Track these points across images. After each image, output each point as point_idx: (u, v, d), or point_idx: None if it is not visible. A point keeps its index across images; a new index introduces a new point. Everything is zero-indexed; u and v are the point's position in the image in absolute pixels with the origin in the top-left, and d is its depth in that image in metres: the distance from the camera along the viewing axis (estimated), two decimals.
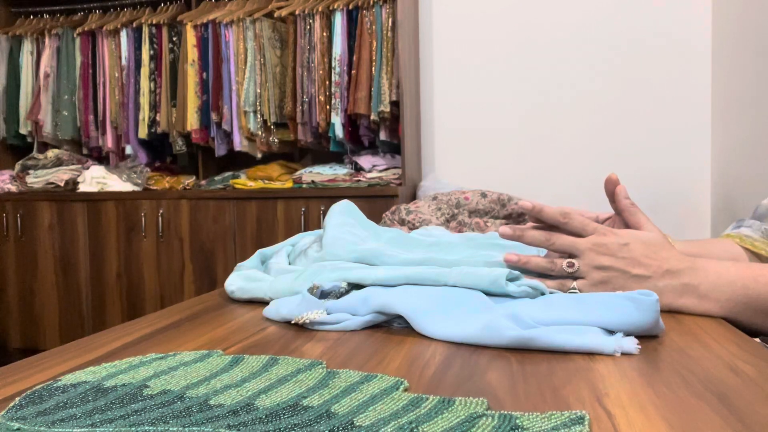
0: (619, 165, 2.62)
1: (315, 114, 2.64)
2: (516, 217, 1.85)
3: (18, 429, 0.36)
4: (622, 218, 0.70)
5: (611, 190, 0.71)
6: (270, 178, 2.70)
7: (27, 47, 3.11)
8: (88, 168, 2.96)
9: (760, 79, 2.10)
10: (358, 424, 0.35)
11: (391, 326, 0.60)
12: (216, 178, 2.81)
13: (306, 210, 2.57)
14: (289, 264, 0.83)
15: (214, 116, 2.77)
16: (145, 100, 2.90)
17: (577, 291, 0.65)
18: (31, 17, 3.21)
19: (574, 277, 0.65)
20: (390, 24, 2.55)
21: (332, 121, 2.61)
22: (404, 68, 2.52)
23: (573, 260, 0.65)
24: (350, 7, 2.61)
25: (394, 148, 2.71)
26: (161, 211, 2.76)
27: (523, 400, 0.40)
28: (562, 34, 2.69)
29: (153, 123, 2.89)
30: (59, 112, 3.01)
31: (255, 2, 2.83)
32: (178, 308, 0.72)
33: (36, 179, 2.93)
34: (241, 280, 0.76)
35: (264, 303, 0.72)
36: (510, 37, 2.75)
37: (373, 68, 2.57)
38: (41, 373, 0.48)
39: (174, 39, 2.91)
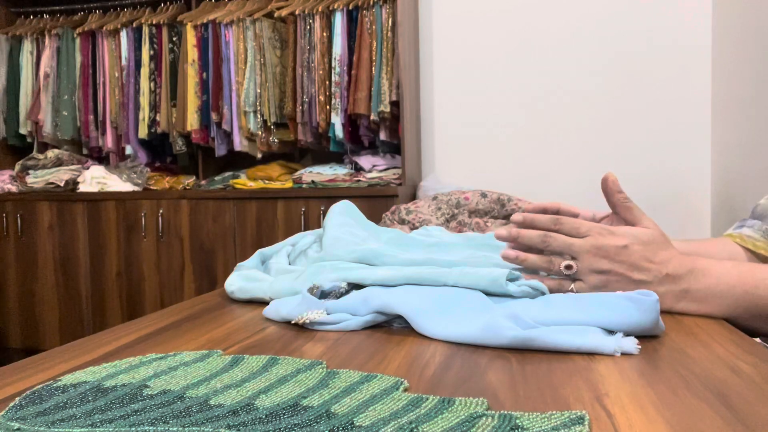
0: (620, 165, 2.62)
1: (315, 114, 2.64)
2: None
3: (18, 429, 0.36)
4: (617, 214, 0.69)
5: (607, 188, 0.70)
6: (270, 178, 2.70)
7: (27, 47, 3.11)
8: (88, 168, 2.96)
9: (760, 79, 2.10)
10: (358, 424, 0.35)
11: (391, 326, 0.60)
12: (216, 178, 2.81)
13: (306, 210, 2.57)
14: (289, 264, 0.83)
15: (214, 116, 2.77)
16: (145, 100, 2.90)
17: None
18: (31, 17, 3.21)
19: (572, 278, 0.65)
20: (390, 24, 2.55)
21: (332, 121, 2.61)
22: (404, 68, 2.52)
23: (571, 262, 0.64)
24: (350, 7, 2.61)
25: (394, 148, 2.71)
26: (161, 211, 2.76)
27: (523, 400, 0.40)
28: (562, 34, 2.69)
29: (153, 123, 2.89)
30: (59, 112, 3.01)
31: (255, 2, 2.83)
32: (178, 308, 0.72)
33: (36, 179, 2.93)
34: (241, 280, 0.76)
35: (264, 303, 0.72)
36: (510, 36, 2.75)
37: (373, 68, 2.57)
38: (41, 373, 0.48)
39: (174, 39, 2.91)
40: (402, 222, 1.84)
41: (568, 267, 0.64)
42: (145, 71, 2.90)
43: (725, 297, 0.62)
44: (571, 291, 0.64)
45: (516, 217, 0.68)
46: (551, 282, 0.65)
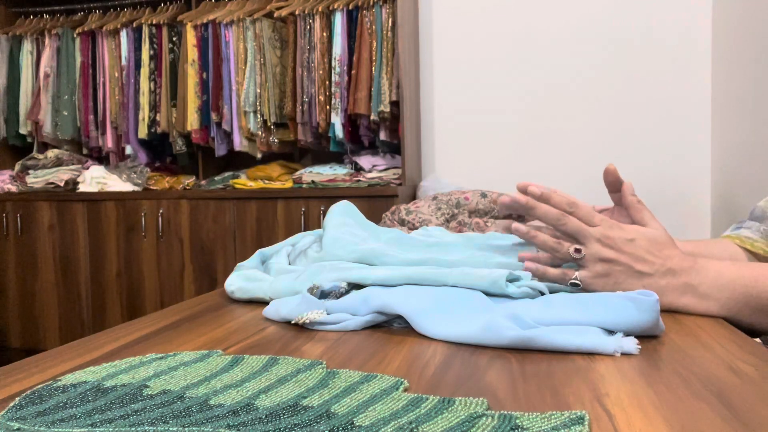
0: (620, 165, 2.61)
1: (315, 114, 2.64)
2: (516, 218, 1.85)
3: (18, 429, 0.36)
4: (627, 214, 0.71)
5: (610, 180, 0.72)
6: (270, 178, 2.70)
7: (27, 47, 3.11)
8: (88, 168, 2.96)
9: (760, 80, 2.10)
10: (358, 424, 0.35)
11: (391, 326, 0.60)
12: (216, 178, 2.81)
13: (306, 210, 2.57)
14: (289, 264, 0.83)
15: (214, 116, 2.77)
16: (145, 100, 2.90)
17: (579, 283, 0.65)
18: (31, 17, 3.21)
19: (577, 264, 0.66)
20: (390, 24, 2.55)
21: (332, 121, 2.61)
22: (404, 68, 2.52)
23: (580, 247, 0.65)
24: (350, 7, 2.61)
25: (394, 148, 2.71)
26: (161, 211, 2.76)
27: (523, 400, 0.40)
28: (562, 34, 2.69)
29: (153, 123, 2.89)
30: (59, 112, 3.01)
31: (255, 2, 2.83)
32: (178, 308, 0.72)
33: (36, 179, 2.93)
34: (241, 280, 0.76)
35: (264, 303, 0.72)
36: (510, 36, 2.75)
37: (373, 68, 2.57)
38: (41, 373, 0.48)
39: (174, 39, 2.91)
40: (402, 222, 1.84)
41: (578, 251, 0.65)
42: (145, 71, 2.90)
43: (725, 291, 0.62)
44: (575, 279, 0.65)
45: (533, 189, 0.68)
46: (555, 272, 0.66)
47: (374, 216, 2.32)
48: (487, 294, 0.61)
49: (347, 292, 0.66)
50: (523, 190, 0.69)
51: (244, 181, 2.72)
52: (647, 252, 0.64)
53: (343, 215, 0.86)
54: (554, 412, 0.36)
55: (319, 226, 2.53)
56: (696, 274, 0.63)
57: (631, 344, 0.50)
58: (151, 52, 2.91)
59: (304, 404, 0.38)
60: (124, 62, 2.94)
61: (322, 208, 2.54)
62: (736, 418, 0.36)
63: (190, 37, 2.79)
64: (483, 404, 0.37)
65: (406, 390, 0.41)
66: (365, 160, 2.64)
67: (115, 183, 2.87)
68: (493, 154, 2.78)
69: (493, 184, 2.59)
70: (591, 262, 0.65)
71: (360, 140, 2.70)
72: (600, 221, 0.66)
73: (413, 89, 2.71)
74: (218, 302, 0.75)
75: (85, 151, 3.12)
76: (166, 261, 2.77)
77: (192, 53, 2.80)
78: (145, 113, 2.89)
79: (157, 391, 0.41)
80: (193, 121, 2.79)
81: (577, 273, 0.65)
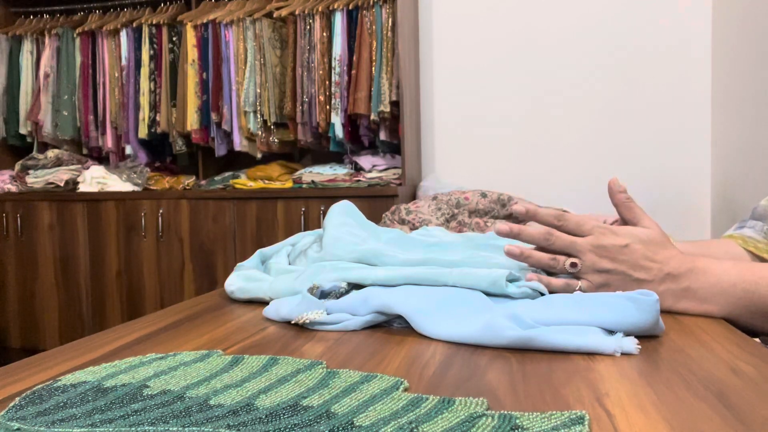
0: (620, 165, 2.62)
1: (315, 114, 2.64)
2: (516, 217, 1.85)
3: (18, 429, 0.36)
4: (619, 213, 0.69)
5: (609, 188, 0.70)
6: (270, 178, 2.70)
7: (27, 47, 3.11)
8: (88, 168, 2.96)
9: (760, 80, 2.10)
10: (358, 424, 0.35)
11: (391, 326, 0.60)
12: (216, 178, 2.81)
13: (306, 210, 2.57)
14: (289, 264, 0.83)
15: (214, 116, 2.77)
16: (145, 100, 2.90)
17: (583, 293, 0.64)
18: (31, 17, 3.21)
19: (576, 277, 0.65)
20: (390, 24, 2.55)
21: (332, 121, 2.61)
22: (404, 68, 2.52)
23: (576, 260, 0.64)
24: (350, 7, 2.61)
25: (394, 148, 2.71)
26: (161, 211, 2.76)
27: (523, 400, 0.40)
28: (562, 34, 2.69)
29: (153, 123, 2.89)
30: (59, 112, 3.01)
31: (255, 2, 2.83)
32: (178, 308, 0.72)
33: (36, 179, 2.93)
34: (241, 280, 0.76)
35: (264, 303, 0.72)
36: (510, 37, 2.75)
37: (373, 68, 2.57)
38: (41, 373, 0.48)
39: (174, 39, 2.91)
40: (402, 222, 1.84)
41: (573, 265, 0.64)
42: (145, 71, 2.90)
43: (726, 295, 0.62)
44: (580, 290, 0.64)
45: (518, 208, 0.66)
46: (559, 282, 0.64)
47: (374, 216, 2.32)
48: (487, 294, 0.61)
49: (347, 292, 0.66)
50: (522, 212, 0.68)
51: (244, 181, 2.72)
52: (643, 257, 0.62)
53: (343, 215, 0.86)
54: (554, 412, 0.36)
55: (319, 226, 2.53)
56: (695, 277, 0.62)
57: (631, 344, 0.50)
58: (151, 52, 2.91)
59: (304, 404, 0.38)
60: (124, 62, 2.94)
61: (322, 208, 2.54)
62: (736, 418, 0.36)
63: (190, 37, 2.79)
64: (483, 404, 0.37)
65: (406, 390, 0.41)
66: (365, 160, 2.64)
67: (115, 183, 2.87)
68: (494, 154, 2.78)
69: (493, 184, 2.59)
70: (589, 273, 0.63)
71: (360, 140, 2.70)
72: (591, 229, 0.64)
73: (413, 89, 2.71)
74: (218, 302, 0.75)
75: (85, 151, 3.12)
76: (166, 261, 2.77)
77: (192, 53, 2.80)
78: (145, 113, 2.89)
79: (157, 391, 0.41)
80: (193, 121, 2.79)
81: (580, 283, 0.64)
